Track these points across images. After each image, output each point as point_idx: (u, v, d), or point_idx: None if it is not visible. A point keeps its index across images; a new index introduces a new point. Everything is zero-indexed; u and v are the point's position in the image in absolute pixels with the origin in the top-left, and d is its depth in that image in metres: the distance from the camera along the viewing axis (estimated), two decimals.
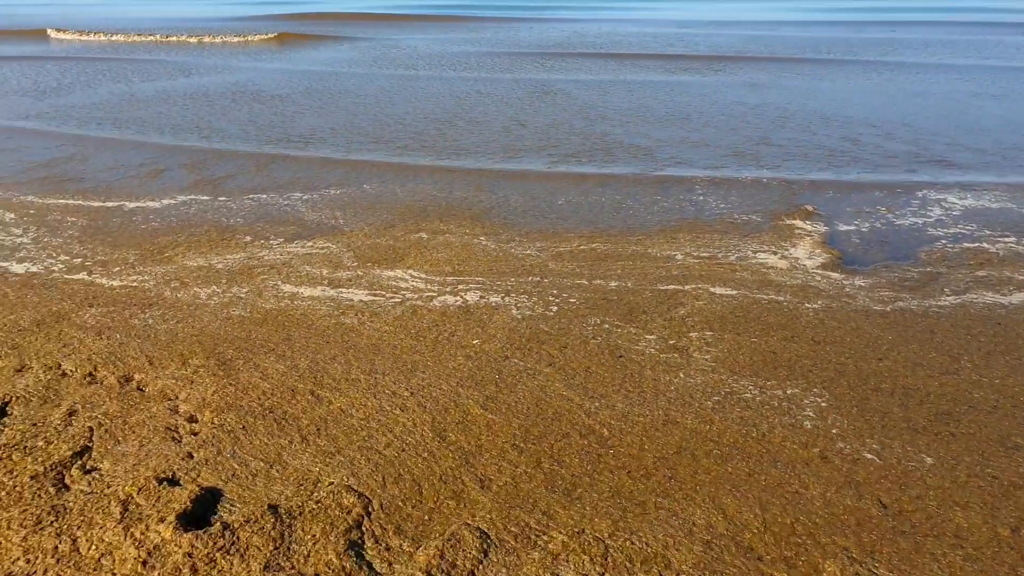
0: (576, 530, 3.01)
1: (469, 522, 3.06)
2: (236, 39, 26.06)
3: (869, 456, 3.50)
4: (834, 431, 3.69)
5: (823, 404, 3.93)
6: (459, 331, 4.77)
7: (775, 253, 6.11)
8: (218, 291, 5.43)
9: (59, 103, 13.56)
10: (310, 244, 6.35)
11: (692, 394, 4.03)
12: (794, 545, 2.94)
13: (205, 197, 7.75)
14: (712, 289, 5.40)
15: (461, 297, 5.29)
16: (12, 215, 7.18)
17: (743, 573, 2.80)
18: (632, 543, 2.95)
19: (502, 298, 5.25)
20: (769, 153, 9.54)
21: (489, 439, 3.63)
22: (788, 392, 4.05)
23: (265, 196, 7.77)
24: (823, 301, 5.19)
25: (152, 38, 26.68)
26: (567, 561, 2.85)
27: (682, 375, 4.23)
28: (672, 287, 5.43)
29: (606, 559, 2.87)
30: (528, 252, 6.13)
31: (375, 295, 5.34)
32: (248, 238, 6.53)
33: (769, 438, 3.64)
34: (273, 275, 5.71)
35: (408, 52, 21.47)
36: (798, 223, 6.85)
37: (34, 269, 5.87)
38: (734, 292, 5.36)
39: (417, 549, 2.91)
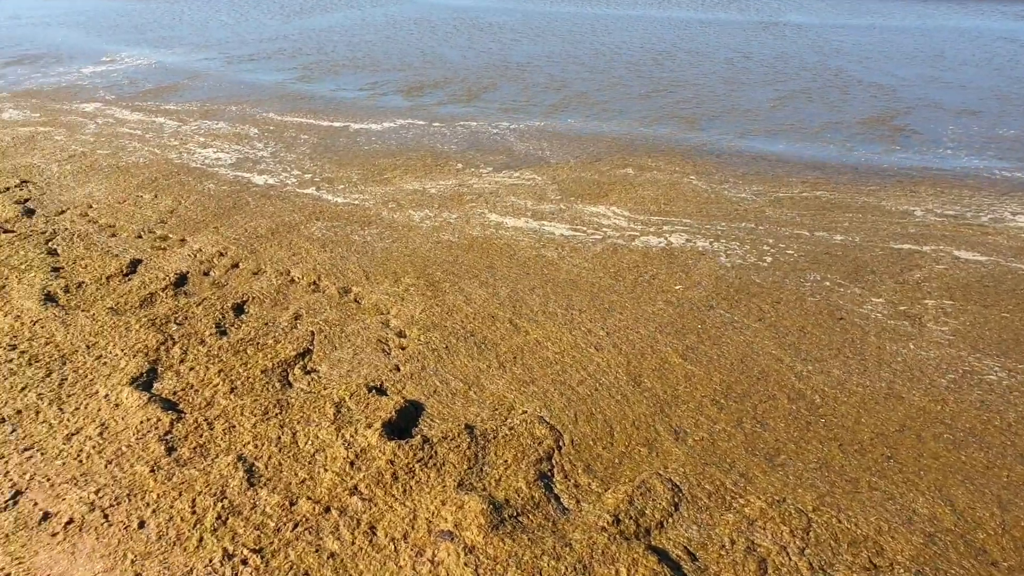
0: (776, 498, 2.81)
1: (661, 472, 2.96)
2: None
3: None
4: None
5: None
6: (661, 274, 4.59)
7: None
8: (430, 215, 5.64)
9: (303, 25, 14.61)
10: (517, 175, 6.39)
11: (923, 368, 3.59)
12: None
13: (421, 122, 8.04)
14: (956, 253, 4.74)
15: (665, 239, 5.07)
16: (256, 130, 7.90)
17: None
18: (839, 521, 2.70)
19: (710, 243, 4.97)
20: None
21: (687, 390, 3.48)
22: None
23: (476, 124, 7.91)
24: None
25: None
26: (764, 529, 2.67)
27: (912, 346, 3.77)
28: (907, 247, 4.84)
29: (807, 534, 2.65)
30: (742, 195, 5.74)
31: (576, 230, 5.27)
32: (459, 165, 6.69)
33: (1016, 429, 3.16)
34: (481, 203, 5.81)
35: None
36: None
37: (272, 181, 6.42)
38: (983, 258, 4.67)
39: (606, 491, 2.87)
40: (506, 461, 3.04)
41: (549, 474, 2.97)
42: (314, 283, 4.63)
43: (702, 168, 6.38)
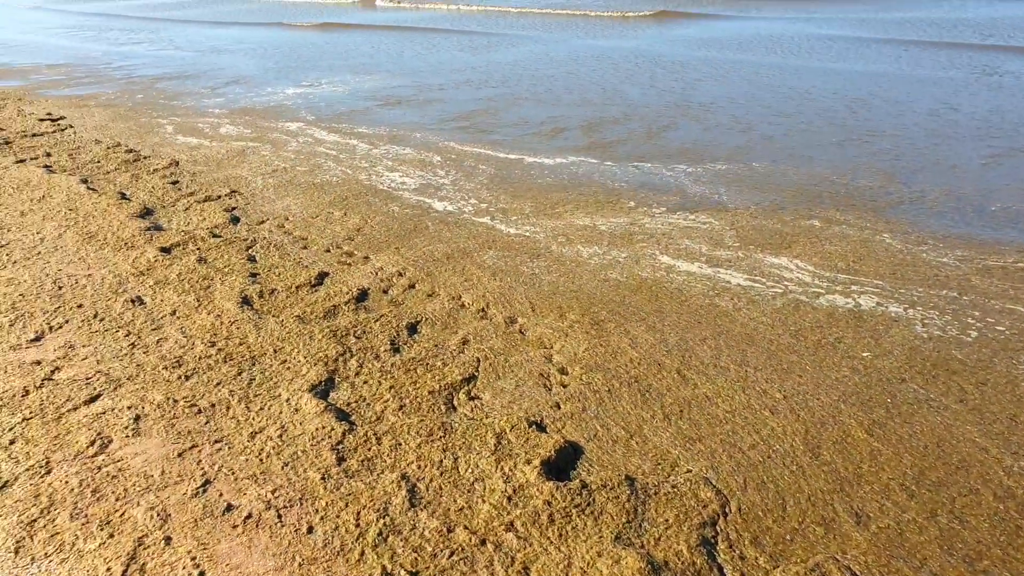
0: None
1: (838, 558, 2.70)
2: (614, 14, 26.71)
3: None
4: None
5: None
6: (847, 338, 4.26)
7: None
8: (599, 252, 5.60)
9: (488, 59, 15.22)
10: (692, 217, 6.22)
11: None
12: None
13: (595, 160, 8.06)
14: None
15: (854, 299, 4.72)
16: (438, 158, 8.26)
17: None
18: None
19: (904, 310, 4.56)
20: None
21: (872, 470, 3.17)
22: None
23: (651, 164, 7.81)
24: None
25: (542, 11, 28.55)
26: None
27: None
28: None
29: None
30: (944, 260, 5.23)
31: (755, 281, 5.02)
32: (631, 203, 6.63)
33: None
34: (652, 244, 5.71)
35: (796, 35, 19.86)
36: None
37: (450, 208, 6.66)
38: None
39: (775, 568, 2.66)
40: (667, 520, 2.90)
41: (712, 541, 2.80)
42: (483, 310, 4.72)
43: (898, 226, 5.90)
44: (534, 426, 3.52)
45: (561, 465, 3.28)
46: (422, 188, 7.22)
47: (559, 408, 3.67)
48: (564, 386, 3.87)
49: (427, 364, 4.08)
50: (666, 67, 13.69)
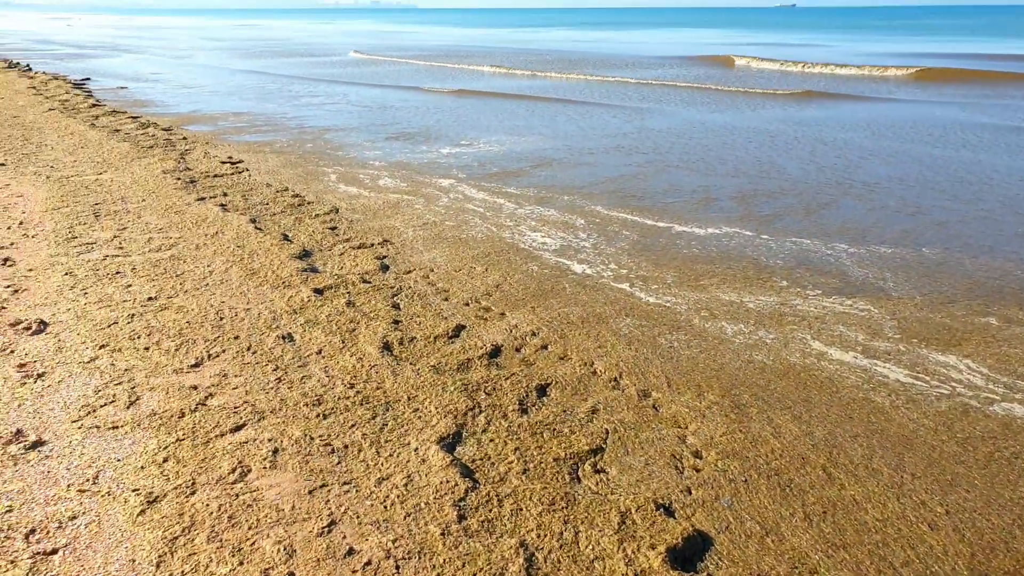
0: None
1: None
2: (762, 91, 26.06)
3: None
4: None
5: None
6: None
7: None
8: (744, 330, 5.35)
9: (640, 126, 15.30)
10: (849, 303, 5.83)
11: None
12: None
13: (748, 232, 7.80)
14: None
15: None
16: (582, 221, 8.30)
17: None
18: None
19: None
20: None
21: None
22: None
23: (808, 242, 7.45)
24: None
25: (691, 85, 28.37)
26: None
27: None
28: None
29: None
30: None
31: (916, 378, 4.60)
32: (784, 282, 6.32)
33: None
34: (803, 327, 5.39)
35: (957, 121, 18.52)
36: None
37: (589, 271, 6.64)
38: None
39: None
40: None
41: None
42: (615, 379, 4.60)
43: None
44: (662, 509, 3.34)
45: (688, 555, 3.08)
46: (563, 249, 7.25)
47: (690, 493, 3.47)
48: (697, 470, 3.66)
49: (554, 429, 4.00)
50: (826, 143, 13.17)
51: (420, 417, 4.05)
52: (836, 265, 6.74)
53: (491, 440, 3.86)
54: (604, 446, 3.87)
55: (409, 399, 4.24)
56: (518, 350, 5.00)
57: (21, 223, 7.62)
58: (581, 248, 7.31)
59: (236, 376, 4.44)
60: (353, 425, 3.94)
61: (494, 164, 11.50)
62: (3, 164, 10.49)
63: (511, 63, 33.20)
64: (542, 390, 4.46)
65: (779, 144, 13.11)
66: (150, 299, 5.63)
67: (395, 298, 5.89)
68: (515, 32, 79.52)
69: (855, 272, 6.55)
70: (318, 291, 5.95)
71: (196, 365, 4.57)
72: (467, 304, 5.82)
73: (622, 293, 6.10)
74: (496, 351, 4.97)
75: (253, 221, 7.95)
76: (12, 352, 4.67)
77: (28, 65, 28.16)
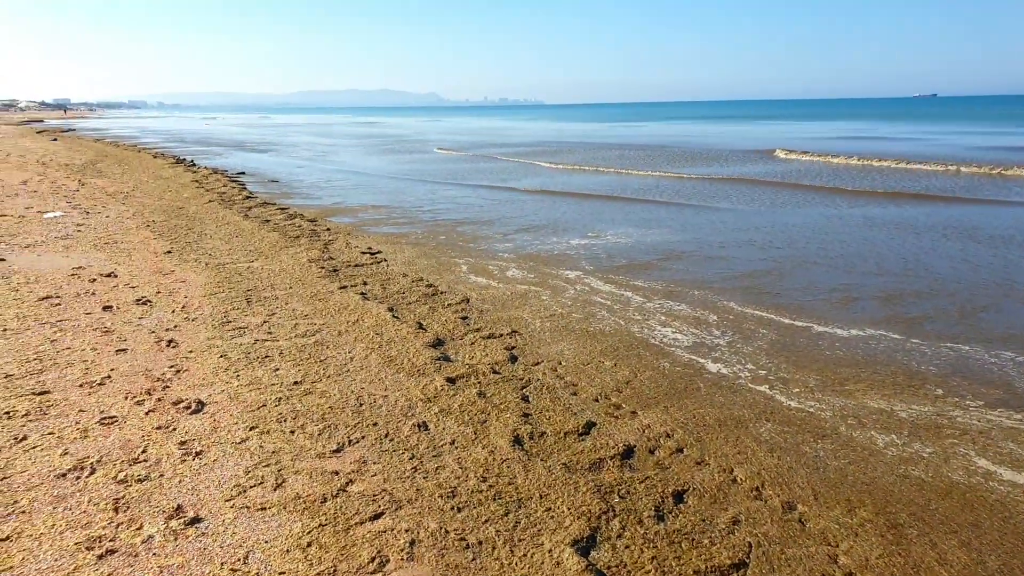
0: None
1: None
2: (887, 192, 24.80)
3: None
4: None
5: None
6: None
7: None
8: (897, 442, 4.98)
9: (774, 220, 14.97)
10: (1019, 418, 5.32)
11: None
12: None
13: (895, 335, 7.35)
14: None
15: None
16: (715, 317, 8.11)
17: None
18: None
19: None
20: None
21: None
22: None
23: (967, 348, 6.91)
24: None
25: (818, 186, 27.48)
26: None
27: None
28: None
29: None
30: None
31: None
32: (939, 391, 5.87)
33: None
34: (966, 442, 4.95)
35: None
36: None
37: (724, 371, 6.43)
38: None
39: None
40: None
41: None
42: (757, 489, 4.37)
43: None
44: None
45: None
46: (695, 347, 7.09)
47: None
48: None
49: (693, 539, 3.82)
50: (979, 240, 12.36)
51: (552, 517, 3.98)
52: (1000, 375, 6.19)
53: (627, 546, 3.73)
54: (747, 560, 3.65)
55: (541, 497, 4.19)
56: (652, 452, 4.87)
57: (183, 307, 8.32)
58: (715, 346, 7.12)
59: (375, 463, 4.56)
60: (487, 520, 3.92)
61: (621, 256, 11.55)
62: (170, 252, 11.59)
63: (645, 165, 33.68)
64: (679, 496, 4.29)
65: (925, 241, 12.43)
66: (296, 383, 5.94)
67: (524, 390, 5.92)
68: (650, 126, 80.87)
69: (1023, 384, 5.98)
70: (451, 380, 6.08)
71: (338, 451, 4.74)
72: (596, 400, 5.76)
73: (761, 396, 5.86)
74: (629, 451, 4.86)
75: (391, 309, 8.31)
76: (174, 430, 5.02)
77: (192, 160, 31.38)
